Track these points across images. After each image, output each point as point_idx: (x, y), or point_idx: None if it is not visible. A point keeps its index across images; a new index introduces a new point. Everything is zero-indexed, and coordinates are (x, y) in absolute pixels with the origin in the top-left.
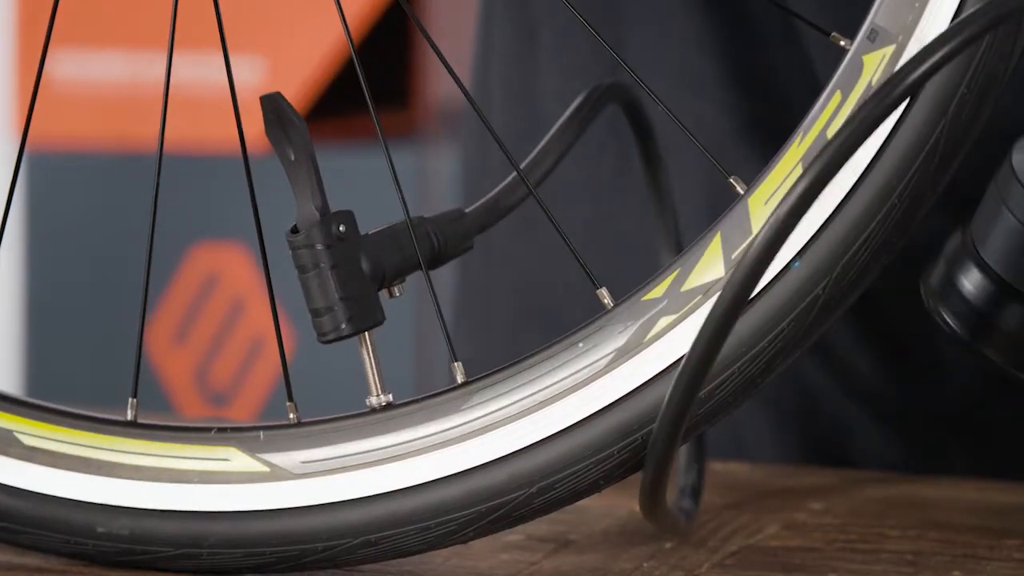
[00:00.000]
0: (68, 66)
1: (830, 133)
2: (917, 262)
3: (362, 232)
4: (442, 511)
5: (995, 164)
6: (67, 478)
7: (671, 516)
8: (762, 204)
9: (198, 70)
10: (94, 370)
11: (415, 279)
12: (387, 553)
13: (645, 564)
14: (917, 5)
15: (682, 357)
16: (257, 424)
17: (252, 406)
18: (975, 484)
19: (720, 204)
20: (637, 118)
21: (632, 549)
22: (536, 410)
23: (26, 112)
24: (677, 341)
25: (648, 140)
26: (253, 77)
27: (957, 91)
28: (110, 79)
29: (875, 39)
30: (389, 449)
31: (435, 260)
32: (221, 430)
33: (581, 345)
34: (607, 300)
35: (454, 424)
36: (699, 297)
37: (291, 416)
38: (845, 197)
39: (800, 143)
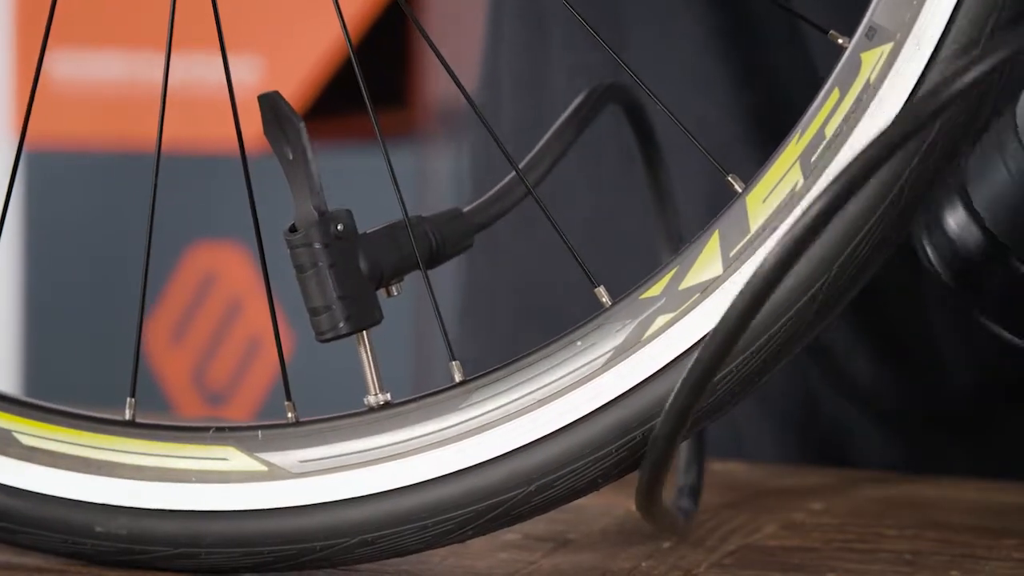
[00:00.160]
0: (66, 65)
1: (828, 131)
2: (917, 262)
3: (360, 231)
4: (440, 510)
5: None
6: (66, 478)
7: (668, 515)
8: (760, 202)
9: (196, 70)
10: (92, 370)
11: (414, 278)
12: (384, 552)
13: (643, 563)
14: (915, 3)
15: (680, 356)
16: (255, 423)
17: (250, 405)
18: (974, 484)
19: (722, 205)
20: (638, 118)
21: (630, 548)
22: (534, 408)
23: (24, 111)
24: (675, 339)
25: (649, 141)
26: (251, 77)
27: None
28: (108, 79)
29: (873, 37)
30: (387, 448)
31: (433, 259)
32: (219, 429)
33: (579, 343)
34: (605, 298)
35: (452, 423)
36: (697, 295)
37: (289, 415)
38: None
39: (798, 141)
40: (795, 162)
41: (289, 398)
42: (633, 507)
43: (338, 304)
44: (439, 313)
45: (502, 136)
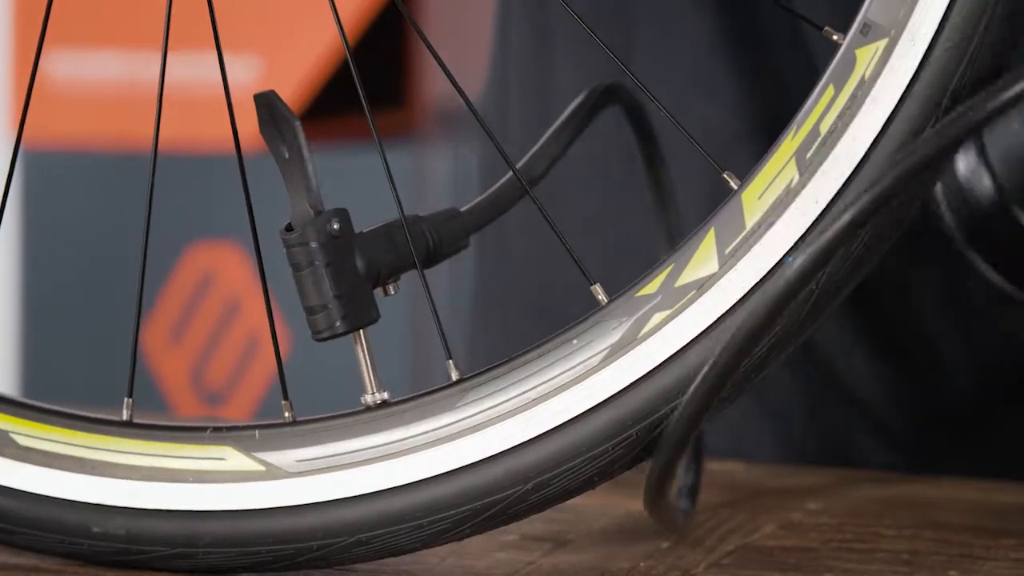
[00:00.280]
0: (64, 65)
1: (823, 128)
2: (917, 261)
3: (357, 230)
4: (436, 509)
5: None
6: (62, 478)
7: (671, 509)
8: (756, 199)
9: (194, 70)
10: (90, 370)
11: (411, 277)
12: (381, 551)
13: (642, 563)
14: None
15: (677, 353)
16: (252, 423)
17: (247, 405)
18: (974, 484)
19: None
20: (638, 118)
21: (629, 548)
22: (530, 407)
23: (21, 111)
24: (671, 337)
25: (649, 140)
26: (249, 77)
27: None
28: (106, 78)
29: (868, 33)
30: (384, 447)
31: (430, 259)
32: (216, 429)
33: (575, 342)
34: (601, 296)
35: (449, 422)
36: (693, 292)
37: (286, 415)
38: (838, 191)
39: (793, 137)
40: (791, 158)
41: (286, 397)
42: (632, 507)
43: (334, 303)
44: (436, 312)
45: (511, 139)
